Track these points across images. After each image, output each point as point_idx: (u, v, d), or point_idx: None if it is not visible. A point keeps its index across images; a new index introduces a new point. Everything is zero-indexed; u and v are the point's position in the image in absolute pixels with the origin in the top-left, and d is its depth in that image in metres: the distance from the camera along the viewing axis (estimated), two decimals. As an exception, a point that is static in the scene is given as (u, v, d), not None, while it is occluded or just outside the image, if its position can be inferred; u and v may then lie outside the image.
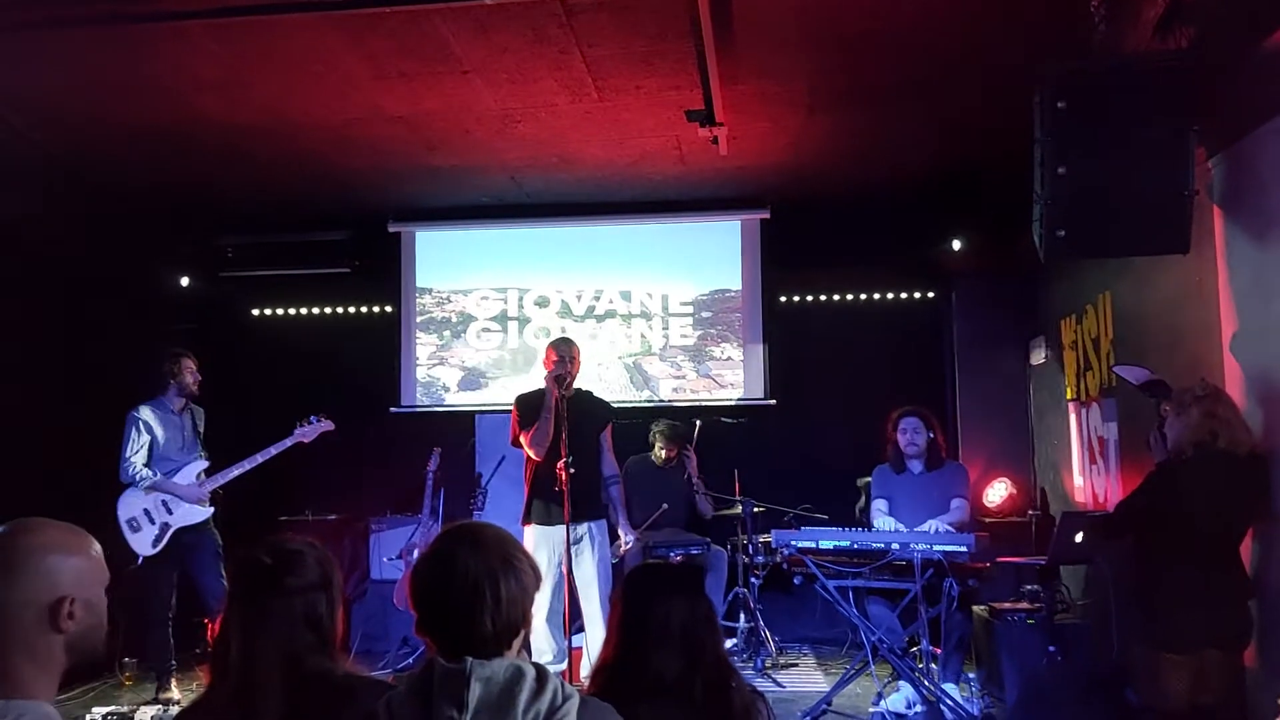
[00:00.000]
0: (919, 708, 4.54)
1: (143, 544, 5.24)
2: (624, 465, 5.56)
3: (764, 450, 6.75)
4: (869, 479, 5.29)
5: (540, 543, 4.77)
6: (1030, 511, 6.34)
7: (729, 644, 5.74)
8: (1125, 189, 3.46)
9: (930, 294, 7.21)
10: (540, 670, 1.59)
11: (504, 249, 7.28)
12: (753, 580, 5.83)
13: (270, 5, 3.74)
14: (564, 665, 4.73)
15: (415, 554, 5.77)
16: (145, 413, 5.34)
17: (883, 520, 4.96)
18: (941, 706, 4.39)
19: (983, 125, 5.12)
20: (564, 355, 4.88)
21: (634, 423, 6.35)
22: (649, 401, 7.03)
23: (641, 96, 4.78)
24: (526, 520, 4.89)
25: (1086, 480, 5.60)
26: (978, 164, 5.69)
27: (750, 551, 5.83)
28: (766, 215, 6.95)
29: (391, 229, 7.18)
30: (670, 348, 7.16)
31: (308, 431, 5.57)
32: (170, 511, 5.30)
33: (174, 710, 4.96)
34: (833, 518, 5.63)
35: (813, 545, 4.63)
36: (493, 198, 6.67)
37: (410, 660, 5.74)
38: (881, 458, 5.18)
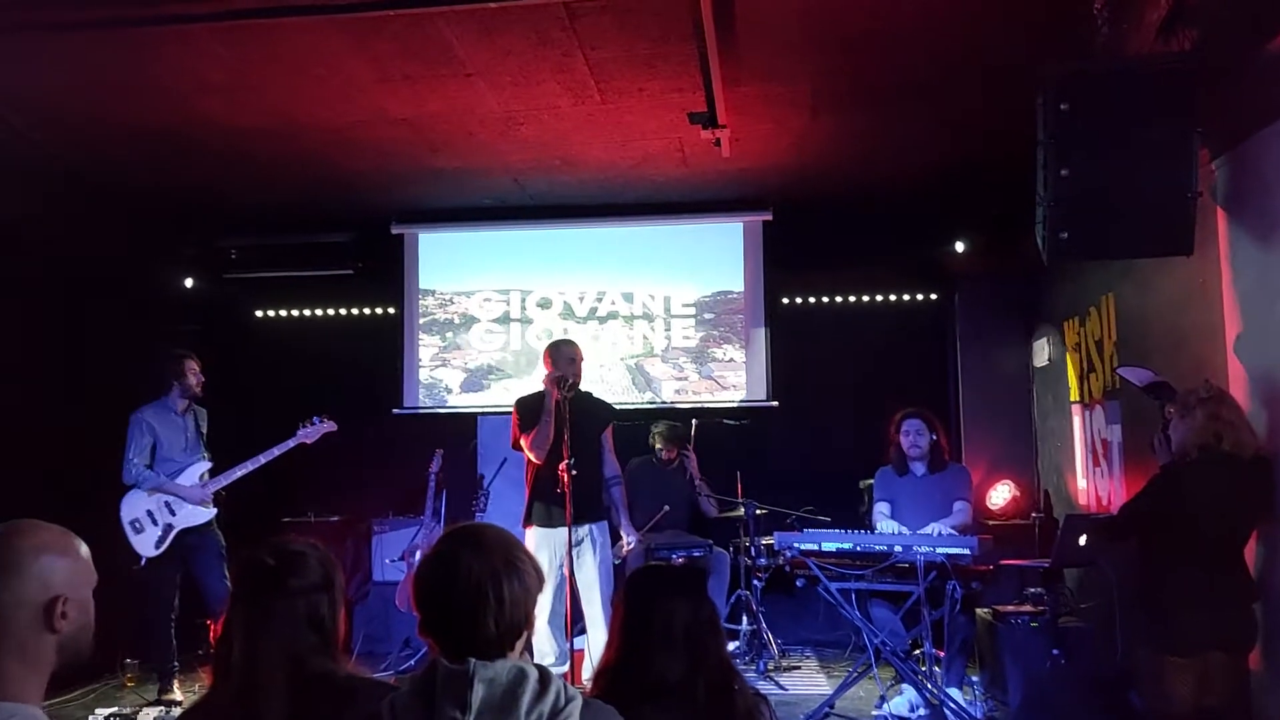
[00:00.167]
0: (922, 711, 4.53)
1: (146, 545, 5.25)
2: (626, 467, 5.57)
3: (766, 452, 6.75)
4: (871, 481, 5.28)
5: (541, 545, 4.76)
6: (1034, 514, 6.33)
7: (731, 646, 5.73)
8: (1128, 190, 3.46)
9: (933, 295, 7.21)
10: (543, 672, 1.59)
11: (506, 251, 7.28)
12: (755, 582, 5.82)
13: (274, 8, 3.73)
14: (566, 667, 4.74)
15: (417, 556, 5.77)
16: (148, 414, 5.35)
17: (885, 523, 4.96)
18: (945, 710, 4.38)
19: (985, 127, 5.12)
20: (562, 360, 4.88)
21: (636, 424, 6.36)
22: (651, 403, 7.03)
23: (644, 99, 4.78)
24: (527, 522, 4.88)
25: (1090, 483, 5.58)
26: (980, 165, 5.67)
27: (752, 554, 5.81)
28: (769, 217, 6.94)
29: (394, 231, 7.19)
30: (672, 349, 7.16)
31: (310, 433, 5.58)
32: (173, 513, 5.31)
33: (176, 711, 4.96)
34: (836, 520, 5.60)
35: (815, 548, 4.62)
36: (495, 199, 6.67)
37: (412, 662, 5.74)
38: (884, 460, 5.18)
